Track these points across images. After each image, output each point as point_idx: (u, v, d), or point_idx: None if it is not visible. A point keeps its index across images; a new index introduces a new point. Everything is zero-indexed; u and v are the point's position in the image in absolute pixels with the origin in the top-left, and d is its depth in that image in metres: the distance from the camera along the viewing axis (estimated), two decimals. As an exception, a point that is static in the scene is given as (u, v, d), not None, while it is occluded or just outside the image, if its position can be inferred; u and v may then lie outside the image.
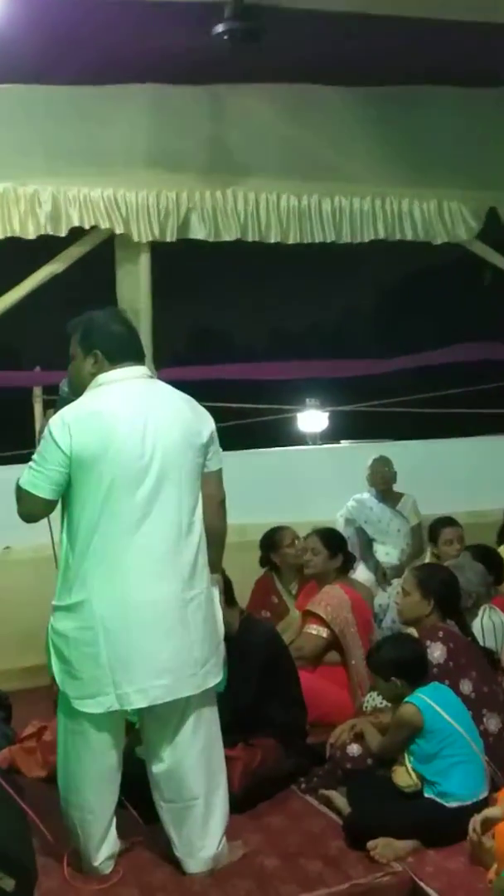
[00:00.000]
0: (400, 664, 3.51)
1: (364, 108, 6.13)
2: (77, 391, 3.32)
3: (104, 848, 3.28)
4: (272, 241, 6.08)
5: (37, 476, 3.14)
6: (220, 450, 3.38)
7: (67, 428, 3.10)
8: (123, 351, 3.28)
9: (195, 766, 3.24)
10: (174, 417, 3.22)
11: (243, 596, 5.48)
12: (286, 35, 4.91)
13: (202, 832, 3.26)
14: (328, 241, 6.19)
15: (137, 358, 3.33)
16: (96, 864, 3.26)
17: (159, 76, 5.68)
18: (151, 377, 3.37)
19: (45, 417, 3.34)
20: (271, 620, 5.27)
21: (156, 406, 3.21)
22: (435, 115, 6.24)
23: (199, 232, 5.93)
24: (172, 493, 3.15)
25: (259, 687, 3.96)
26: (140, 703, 3.12)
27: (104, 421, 3.13)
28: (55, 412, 3.27)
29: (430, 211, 6.34)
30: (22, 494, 3.18)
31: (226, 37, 4.43)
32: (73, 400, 3.29)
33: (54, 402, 3.58)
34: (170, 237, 5.87)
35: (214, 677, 3.26)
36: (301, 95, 6.04)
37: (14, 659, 5.56)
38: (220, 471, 3.38)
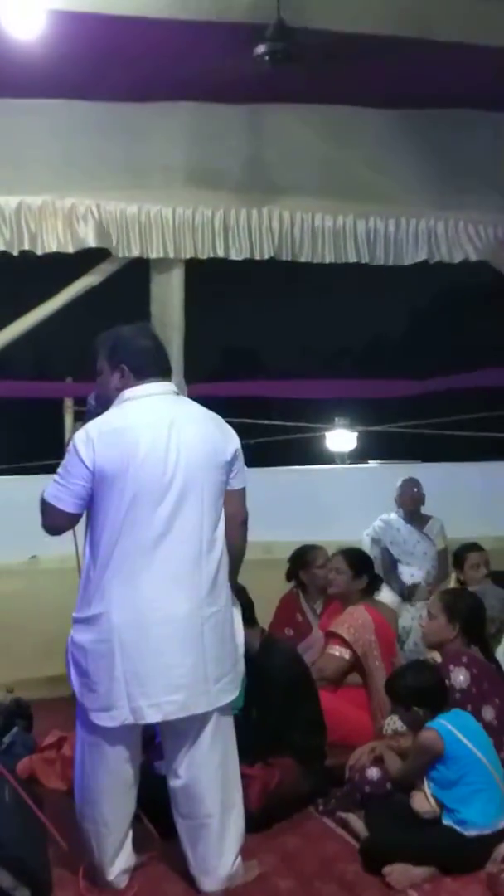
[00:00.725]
0: (420, 692, 3.50)
1: (401, 131, 6.16)
2: (104, 405, 3.34)
3: (119, 861, 3.28)
4: (306, 260, 6.09)
5: (60, 490, 3.17)
6: (245, 469, 3.38)
7: (91, 443, 3.13)
8: (150, 366, 3.30)
9: (211, 783, 3.24)
10: (199, 434, 3.23)
11: (265, 613, 5.50)
12: (326, 56, 4.95)
13: (217, 850, 3.25)
14: (363, 261, 6.20)
15: (164, 374, 3.34)
16: (111, 877, 3.26)
17: (199, 94, 5.74)
18: (178, 393, 3.39)
19: (73, 431, 3.37)
20: (294, 638, 5.27)
21: (180, 423, 3.22)
22: (471, 139, 6.25)
23: (233, 250, 5.95)
24: (194, 510, 3.17)
25: (279, 707, 3.95)
26: (153, 717, 3.13)
27: (128, 436, 3.14)
28: (82, 426, 3.30)
29: (465, 232, 6.32)
30: (46, 507, 3.21)
31: (267, 57, 4.46)
32: (100, 414, 3.31)
33: (83, 415, 3.62)
34: (204, 255, 5.90)
35: (229, 694, 3.26)
36: (339, 116, 6.08)
37: (37, 668, 5.59)
38: (243, 489, 3.38)
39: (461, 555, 5.57)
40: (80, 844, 3.32)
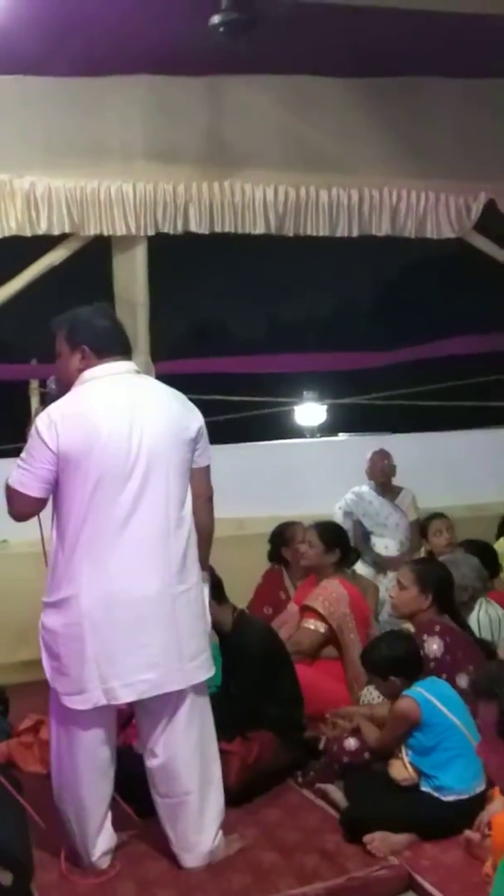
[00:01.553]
0: (396, 662, 3.51)
1: (363, 100, 6.09)
2: (65, 388, 3.31)
3: (100, 843, 3.28)
4: (270, 233, 6.05)
5: (25, 475, 3.14)
6: (209, 446, 3.37)
7: (54, 426, 3.10)
8: (110, 345, 3.28)
9: (189, 760, 3.25)
10: (161, 412, 3.22)
11: (241, 590, 5.47)
12: (284, 25, 4.89)
13: (197, 826, 3.26)
14: (325, 234, 6.16)
15: (124, 352, 3.33)
16: (93, 859, 3.26)
17: (156, 67, 5.65)
18: (139, 372, 3.37)
19: (34, 415, 3.32)
20: (272, 617, 5.27)
21: (143, 401, 3.20)
22: (434, 107, 6.20)
23: (196, 225, 5.89)
24: (160, 489, 3.16)
25: (256, 683, 3.96)
26: (127, 697, 3.13)
27: (90, 418, 3.12)
28: (43, 410, 3.25)
29: (429, 203, 6.29)
30: (11, 493, 3.17)
31: (221, 28, 4.39)
32: (61, 396, 3.27)
33: (48, 397, 3.57)
34: (167, 230, 5.84)
35: (205, 672, 3.27)
36: (299, 86, 6.00)
37: (11, 652, 5.57)
38: (208, 467, 3.38)
39: (425, 523, 5.66)
40: (61, 827, 3.31)
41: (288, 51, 5.51)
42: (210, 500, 3.42)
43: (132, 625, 3.10)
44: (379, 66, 5.93)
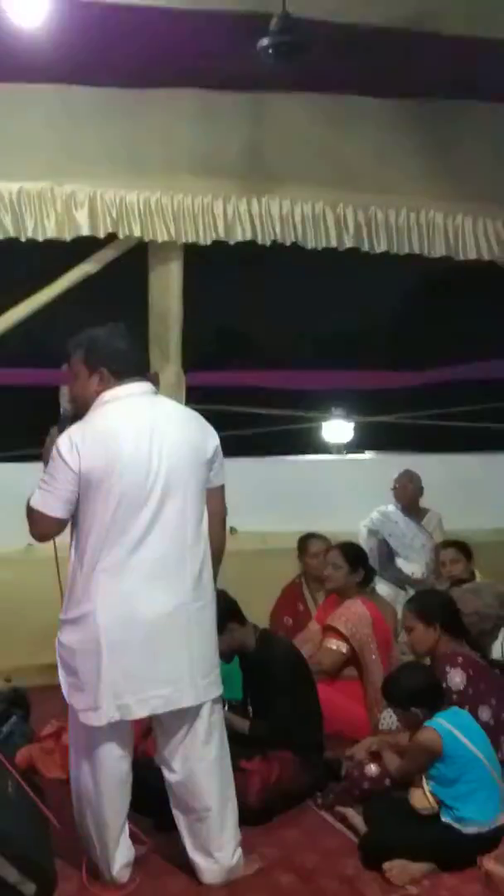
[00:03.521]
0: (415, 693, 3.51)
1: (403, 121, 6.12)
2: (81, 409, 3.34)
3: (119, 855, 3.30)
4: (307, 248, 6.07)
5: (47, 496, 3.18)
6: (224, 465, 3.40)
7: (76, 447, 3.14)
8: (128, 367, 3.32)
9: (207, 777, 3.27)
10: (180, 434, 3.26)
11: (263, 603, 5.51)
12: (329, 46, 4.92)
13: (217, 843, 3.28)
14: (357, 247, 6.17)
15: (140, 373, 3.37)
16: (113, 871, 3.28)
17: (201, 82, 5.70)
18: (156, 392, 3.40)
19: (50, 437, 3.35)
20: (293, 627, 5.30)
21: (162, 423, 3.25)
22: (473, 131, 6.22)
23: (233, 236, 5.92)
24: (178, 509, 3.20)
25: (279, 700, 3.97)
26: (141, 713, 3.18)
27: (110, 440, 3.16)
28: (58, 431, 3.30)
29: (465, 227, 6.30)
30: (33, 514, 3.22)
31: (270, 50, 4.42)
32: (77, 417, 3.31)
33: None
34: (204, 241, 5.87)
35: (216, 689, 3.30)
36: (339, 106, 6.04)
37: (33, 656, 5.59)
38: (223, 487, 3.41)
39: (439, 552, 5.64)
40: (81, 840, 3.34)
41: (331, 70, 5.55)
42: (224, 519, 3.45)
43: (147, 642, 3.14)
44: (416, 88, 5.96)
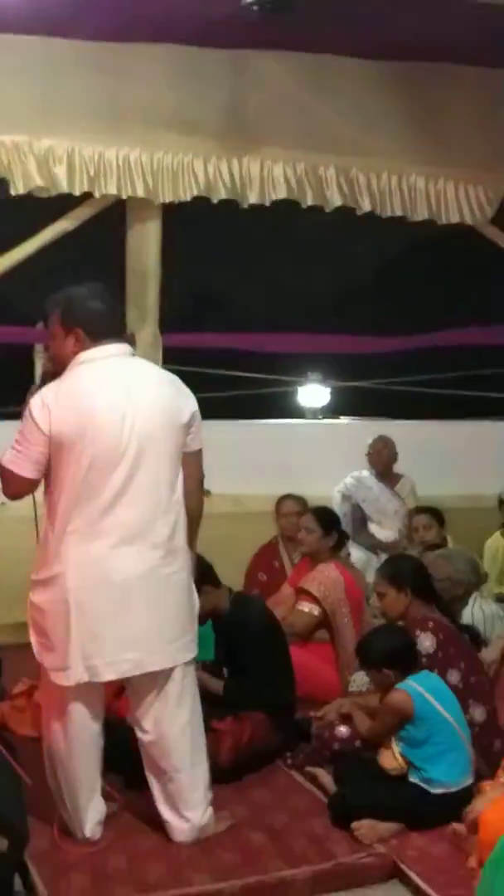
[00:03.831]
0: (391, 655, 3.54)
1: (384, 83, 6.07)
2: (59, 368, 3.30)
3: (91, 814, 3.32)
4: (285, 206, 6.02)
5: (18, 455, 3.17)
6: (201, 429, 3.36)
7: (47, 408, 3.12)
8: (105, 328, 3.27)
9: (179, 738, 3.29)
10: (156, 397, 3.22)
11: (237, 565, 5.53)
12: (314, 5, 4.84)
13: (188, 802, 3.31)
14: (339, 207, 6.13)
15: (118, 334, 3.33)
16: (85, 829, 3.31)
17: (182, 37, 5.61)
18: (133, 354, 3.36)
19: (30, 394, 3.30)
20: (268, 583, 5.36)
21: (137, 385, 3.21)
22: (455, 95, 6.19)
23: (213, 195, 5.86)
24: (150, 472, 3.18)
25: (253, 660, 3.99)
26: (109, 675, 3.18)
27: (83, 401, 3.14)
28: (38, 388, 3.26)
29: (446, 191, 6.27)
30: (5, 473, 3.21)
31: (255, 7, 4.35)
32: (56, 376, 3.27)
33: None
34: (183, 198, 5.80)
35: (188, 653, 3.29)
36: (322, 65, 5.98)
37: (7, 612, 5.58)
38: (200, 451, 3.38)
39: (412, 517, 5.72)
40: (53, 797, 3.36)
41: (313, 29, 5.47)
42: (201, 483, 3.43)
43: (116, 605, 3.14)
44: (401, 50, 5.90)
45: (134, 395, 3.17)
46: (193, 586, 3.39)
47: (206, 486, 4.80)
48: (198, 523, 3.46)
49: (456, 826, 3.20)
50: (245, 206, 5.94)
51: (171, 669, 3.24)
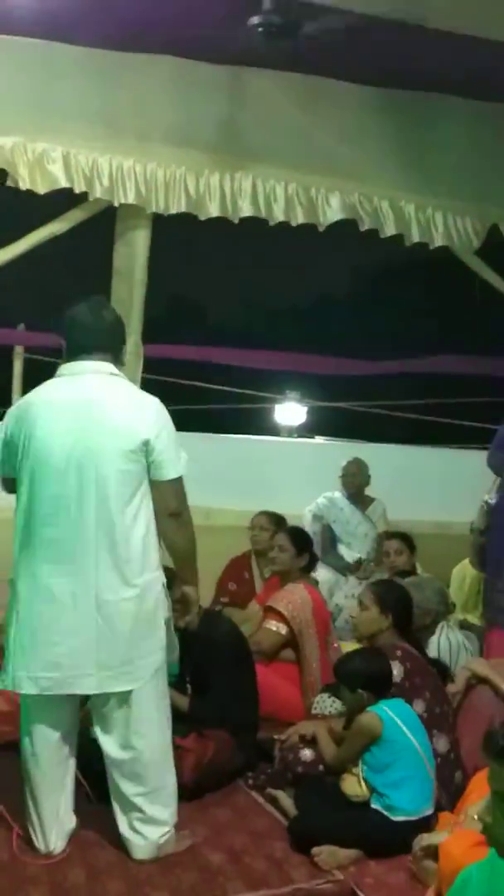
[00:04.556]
0: (369, 677, 3.57)
1: (380, 109, 6.12)
2: None
3: (53, 826, 3.29)
4: (273, 224, 6.04)
5: None
6: (175, 459, 3.24)
7: (11, 415, 3.27)
8: (82, 344, 3.30)
9: (139, 760, 3.26)
10: (110, 419, 3.19)
11: (205, 579, 5.49)
12: (314, 27, 4.89)
13: (148, 821, 3.28)
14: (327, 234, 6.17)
15: (102, 351, 3.31)
16: (47, 842, 3.27)
17: (181, 50, 5.62)
18: (112, 374, 3.31)
19: None
20: (237, 593, 5.40)
21: (98, 405, 3.21)
22: (448, 125, 6.24)
23: (202, 211, 5.88)
24: (91, 495, 3.15)
25: (219, 680, 4.00)
26: (29, 689, 3.19)
27: (31, 413, 3.22)
28: None
29: (435, 219, 6.33)
30: None
31: (260, 29, 4.38)
32: None
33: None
34: (173, 210, 5.81)
35: (123, 684, 3.20)
36: (318, 88, 6.02)
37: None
38: (172, 481, 3.24)
39: (382, 542, 5.77)
40: (17, 805, 3.34)
41: (314, 52, 5.51)
42: (176, 516, 3.28)
43: (45, 623, 3.16)
44: (399, 78, 5.96)
45: (85, 414, 3.18)
46: (158, 618, 3.28)
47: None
48: (185, 558, 3.38)
49: (416, 854, 3.19)
50: (235, 221, 5.95)
51: (129, 693, 3.20)
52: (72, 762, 3.35)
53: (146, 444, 3.19)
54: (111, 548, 3.16)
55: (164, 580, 3.34)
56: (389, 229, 6.20)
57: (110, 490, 3.16)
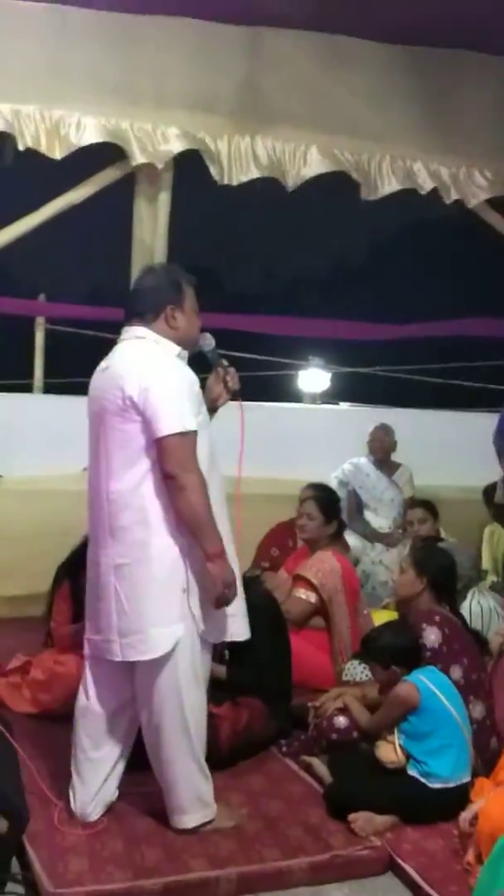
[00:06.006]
0: (398, 652, 3.54)
1: (400, 67, 6.06)
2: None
3: (95, 794, 3.29)
4: (294, 187, 5.97)
5: None
6: (172, 417, 3.05)
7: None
8: (129, 310, 3.36)
9: (165, 732, 3.19)
10: (107, 379, 3.23)
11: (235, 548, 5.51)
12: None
13: (177, 792, 3.25)
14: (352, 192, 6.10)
15: (131, 318, 3.32)
16: (87, 808, 3.28)
17: (199, 12, 5.55)
18: (138, 337, 3.25)
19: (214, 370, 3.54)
20: (278, 559, 5.37)
21: (109, 369, 3.25)
22: (467, 81, 6.18)
23: (223, 174, 5.81)
24: (99, 458, 3.23)
25: (257, 648, 3.91)
26: (86, 650, 3.33)
27: (90, 385, 3.34)
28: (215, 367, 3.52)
29: (455, 175, 6.25)
30: None
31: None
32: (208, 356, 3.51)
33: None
34: (194, 176, 5.77)
35: (136, 653, 3.13)
36: (338, 46, 5.95)
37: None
38: (164, 440, 3.04)
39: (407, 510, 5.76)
40: (53, 772, 3.41)
41: (332, 8, 5.43)
42: (173, 478, 3.05)
43: (91, 585, 3.29)
44: (419, 34, 5.86)
45: (102, 380, 3.26)
46: (174, 586, 3.13)
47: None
48: (191, 528, 3.09)
49: (464, 825, 3.17)
50: (258, 185, 5.89)
51: (149, 665, 3.14)
52: (125, 737, 3.34)
53: (131, 400, 3.09)
54: (113, 512, 3.18)
55: (182, 547, 3.15)
56: (427, 186, 6.12)
57: (116, 452, 3.18)
